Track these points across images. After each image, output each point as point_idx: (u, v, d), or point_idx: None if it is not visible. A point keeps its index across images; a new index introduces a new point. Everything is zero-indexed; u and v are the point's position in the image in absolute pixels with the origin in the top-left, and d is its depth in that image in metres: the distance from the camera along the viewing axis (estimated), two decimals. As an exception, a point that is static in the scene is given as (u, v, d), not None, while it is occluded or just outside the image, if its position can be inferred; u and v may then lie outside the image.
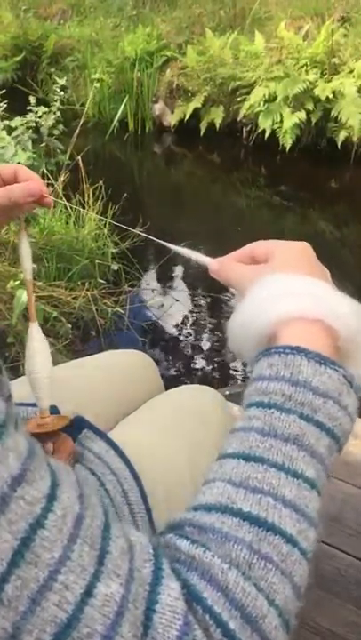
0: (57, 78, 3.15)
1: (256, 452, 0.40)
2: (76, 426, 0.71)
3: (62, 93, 2.93)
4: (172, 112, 5.54)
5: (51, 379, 0.64)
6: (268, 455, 0.40)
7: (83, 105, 5.62)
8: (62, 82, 3.01)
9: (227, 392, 2.03)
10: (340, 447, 0.43)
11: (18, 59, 6.11)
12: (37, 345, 0.64)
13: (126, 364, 0.95)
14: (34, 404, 0.73)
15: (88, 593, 0.30)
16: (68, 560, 0.31)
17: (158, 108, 5.67)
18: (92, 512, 0.34)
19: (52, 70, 6.09)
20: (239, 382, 2.46)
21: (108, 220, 2.69)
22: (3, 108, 2.83)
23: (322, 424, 0.41)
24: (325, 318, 0.45)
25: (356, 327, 0.45)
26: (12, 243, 2.41)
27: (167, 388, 0.98)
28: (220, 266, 0.54)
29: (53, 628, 0.29)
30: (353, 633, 1.17)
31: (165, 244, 0.62)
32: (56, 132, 2.89)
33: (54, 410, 0.71)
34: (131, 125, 5.64)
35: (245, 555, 0.35)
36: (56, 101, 2.91)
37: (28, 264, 0.65)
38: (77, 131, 3.02)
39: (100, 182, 2.93)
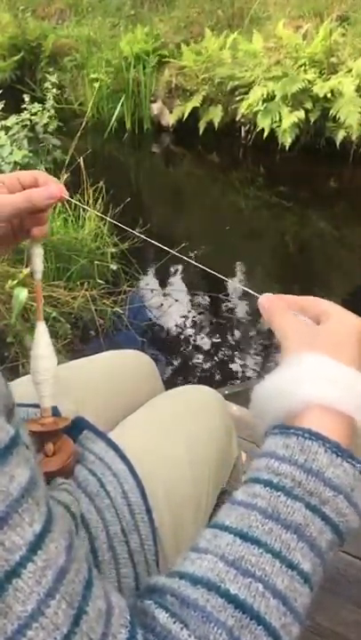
0: (47, 75, 3.16)
1: (255, 533, 0.39)
2: (77, 426, 0.72)
3: (55, 90, 2.93)
4: (171, 112, 5.54)
5: (55, 379, 0.65)
6: (267, 539, 0.38)
7: (81, 104, 5.62)
8: (53, 79, 3.01)
9: (226, 392, 2.03)
10: (341, 544, 0.41)
11: (16, 58, 6.10)
12: (43, 344, 0.65)
13: (126, 365, 0.95)
14: (34, 405, 0.73)
15: None
16: (42, 616, 0.29)
17: (157, 107, 5.67)
18: (77, 566, 0.33)
19: (51, 70, 6.09)
20: (238, 382, 2.46)
21: (108, 220, 2.67)
22: (0, 107, 2.83)
23: (328, 518, 0.40)
24: (354, 415, 0.43)
25: None
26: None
27: (167, 387, 0.98)
28: (270, 305, 0.52)
29: None
30: (353, 632, 1.17)
31: (215, 273, 0.61)
32: (51, 129, 2.89)
33: (54, 410, 0.71)
34: (128, 125, 5.64)
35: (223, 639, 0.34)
36: (49, 98, 2.91)
37: (39, 265, 0.66)
38: (79, 132, 3.02)
39: (101, 183, 2.93)
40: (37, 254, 0.66)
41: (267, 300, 0.52)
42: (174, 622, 0.35)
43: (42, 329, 0.66)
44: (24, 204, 0.61)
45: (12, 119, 2.76)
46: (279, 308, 0.51)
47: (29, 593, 0.29)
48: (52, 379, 0.65)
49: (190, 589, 0.37)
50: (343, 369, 0.44)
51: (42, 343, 0.65)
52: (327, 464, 0.41)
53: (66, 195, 0.64)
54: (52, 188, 0.62)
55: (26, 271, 2.19)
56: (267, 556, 0.38)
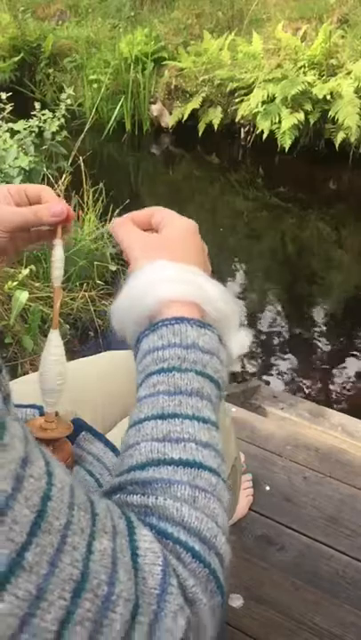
0: (65, 87, 3.14)
1: (169, 410, 0.46)
2: (75, 428, 0.72)
3: (69, 101, 2.92)
4: (170, 113, 5.55)
5: (63, 386, 0.64)
6: (180, 410, 0.46)
7: (80, 105, 5.62)
8: (70, 91, 2.99)
9: (225, 393, 2.03)
10: (222, 394, 0.52)
11: (16, 59, 6.10)
12: (55, 352, 0.63)
13: (124, 365, 0.95)
14: (32, 406, 0.73)
15: (89, 550, 0.35)
16: (72, 524, 0.35)
17: (156, 108, 5.67)
18: (77, 482, 0.39)
19: (50, 71, 6.08)
20: (237, 383, 2.46)
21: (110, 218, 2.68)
22: (8, 110, 2.83)
23: (211, 377, 0.49)
24: (198, 301, 0.52)
25: (223, 310, 0.53)
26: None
27: (165, 389, 0.98)
28: (118, 225, 0.58)
29: (71, 584, 0.33)
30: (351, 633, 1.17)
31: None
32: (59, 138, 2.89)
33: (53, 411, 0.71)
34: (128, 126, 5.64)
35: (188, 492, 0.42)
36: (62, 108, 2.90)
37: (58, 272, 0.64)
38: (83, 134, 3.02)
39: (101, 184, 2.93)
40: (58, 261, 0.64)
41: (117, 221, 0.59)
42: (147, 498, 0.42)
43: (55, 337, 0.64)
44: (31, 218, 0.62)
45: (21, 124, 2.75)
46: (124, 225, 0.58)
47: (60, 509, 0.34)
48: (61, 386, 0.63)
49: (143, 473, 0.44)
50: (179, 267, 0.53)
51: (53, 350, 0.63)
52: (197, 336, 0.50)
53: (72, 214, 0.65)
54: (57, 207, 0.63)
55: (25, 272, 2.19)
56: (186, 421, 0.46)
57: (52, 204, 0.63)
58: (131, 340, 0.54)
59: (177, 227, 0.57)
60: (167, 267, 0.53)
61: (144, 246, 0.56)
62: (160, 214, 0.59)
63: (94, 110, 4.55)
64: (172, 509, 0.41)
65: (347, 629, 1.18)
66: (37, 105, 2.89)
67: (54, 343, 0.63)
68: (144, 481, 0.43)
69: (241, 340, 0.56)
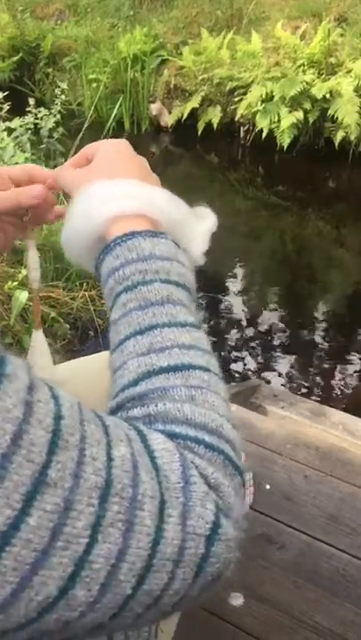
0: (59, 82, 3.14)
1: (145, 324, 0.47)
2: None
3: (63, 97, 2.92)
4: (170, 112, 5.54)
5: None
6: (156, 321, 0.47)
7: (80, 105, 5.62)
8: (64, 85, 2.99)
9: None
10: (193, 297, 0.52)
11: (15, 59, 6.10)
12: (40, 353, 0.63)
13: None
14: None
15: (109, 458, 0.37)
16: (87, 438, 0.36)
17: (155, 108, 5.67)
18: (80, 400, 0.40)
19: (50, 70, 6.08)
20: (238, 382, 2.46)
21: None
22: (6, 109, 2.83)
23: (177, 282, 0.50)
24: (146, 212, 0.52)
25: (174, 214, 0.54)
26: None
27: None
28: (57, 175, 0.59)
29: (97, 491, 0.35)
30: (352, 632, 1.18)
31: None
32: (56, 135, 2.88)
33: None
34: (127, 125, 5.64)
35: (185, 392, 0.44)
36: (57, 104, 2.90)
37: (35, 273, 0.64)
38: (81, 134, 3.02)
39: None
40: (33, 263, 0.62)
41: (56, 174, 0.59)
42: (147, 407, 0.43)
43: (39, 337, 0.64)
44: (14, 201, 0.60)
45: (17, 121, 2.75)
46: (63, 173, 0.58)
47: (73, 426, 0.36)
48: None
49: (137, 388, 0.45)
50: (117, 183, 0.52)
51: (38, 351, 0.63)
52: (152, 246, 0.50)
53: (45, 194, 0.61)
54: (36, 187, 0.60)
55: (25, 272, 2.19)
56: (165, 330, 0.47)
57: (34, 185, 0.61)
58: (91, 268, 0.55)
59: (105, 151, 0.57)
60: (101, 187, 0.52)
61: (77, 182, 0.55)
62: (90, 149, 0.58)
63: (93, 109, 4.56)
64: (174, 411, 0.43)
65: (348, 628, 1.18)
66: (32, 101, 2.89)
67: (39, 344, 0.63)
68: (140, 394, 0.44)
69: (205, 228, 0.57)
